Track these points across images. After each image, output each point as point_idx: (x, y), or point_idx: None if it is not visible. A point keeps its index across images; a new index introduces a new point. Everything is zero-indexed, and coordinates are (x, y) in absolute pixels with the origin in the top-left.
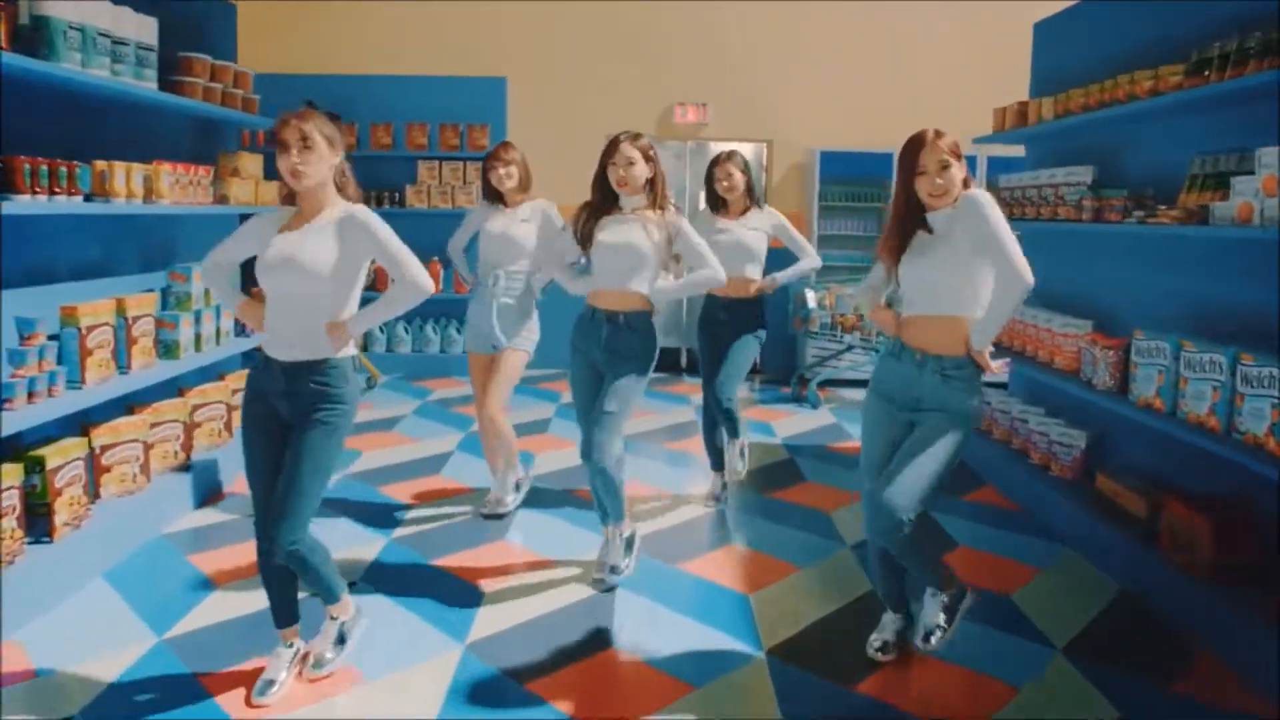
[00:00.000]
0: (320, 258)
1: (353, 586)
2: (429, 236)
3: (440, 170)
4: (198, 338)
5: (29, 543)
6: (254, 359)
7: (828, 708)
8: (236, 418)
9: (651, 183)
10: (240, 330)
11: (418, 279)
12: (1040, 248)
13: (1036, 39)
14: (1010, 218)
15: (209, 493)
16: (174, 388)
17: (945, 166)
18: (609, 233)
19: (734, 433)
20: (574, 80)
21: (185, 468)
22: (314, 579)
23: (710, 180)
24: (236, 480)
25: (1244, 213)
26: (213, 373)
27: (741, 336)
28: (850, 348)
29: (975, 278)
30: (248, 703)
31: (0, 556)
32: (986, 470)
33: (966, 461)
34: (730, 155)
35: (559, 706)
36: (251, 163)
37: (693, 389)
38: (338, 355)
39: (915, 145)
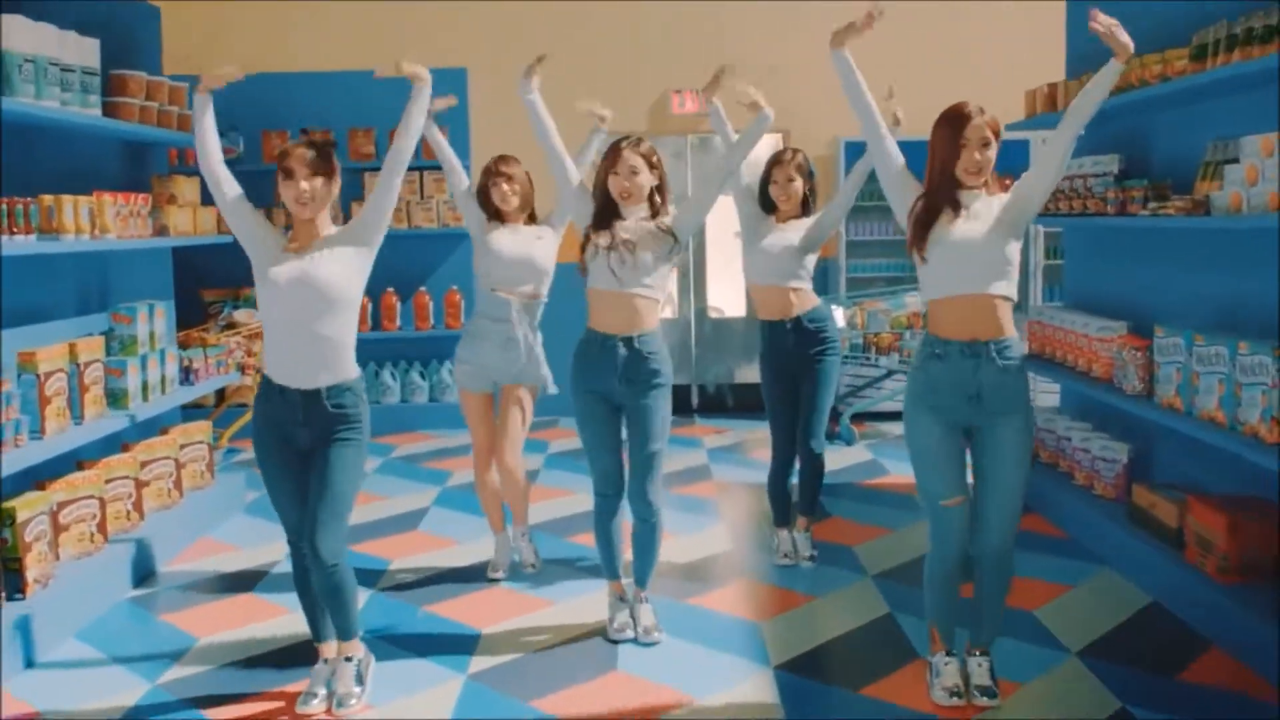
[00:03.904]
0: (335, 273)
1: None
2: (384, 263)
3: None
4: (145, 386)
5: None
6: (197, 413)
7: (833, 711)
8: (186, 475)
9: (656, 191)
10: (184, 379)
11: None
12: (1075, 246)
13: (1071, 14)
14: (1044, 213)
15: (164, 557)
16: (117, 443)
17: (986, 144)
18: (613, 240)
19: (815, 501)
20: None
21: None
22: (342, 605)
23: (766, 180)
24: (197, 543)
25: (1235, 202)
26: (153, 427)
27: (825, 363)
28: (889, 373)
29: (1016, 252)
30: None
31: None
32: (1030, 497)
33: None
34: (793, 155)
35: (560, 716)
36: (188, 187)
37: (706, 431)
38: (352, 376)
39: (957, 116)
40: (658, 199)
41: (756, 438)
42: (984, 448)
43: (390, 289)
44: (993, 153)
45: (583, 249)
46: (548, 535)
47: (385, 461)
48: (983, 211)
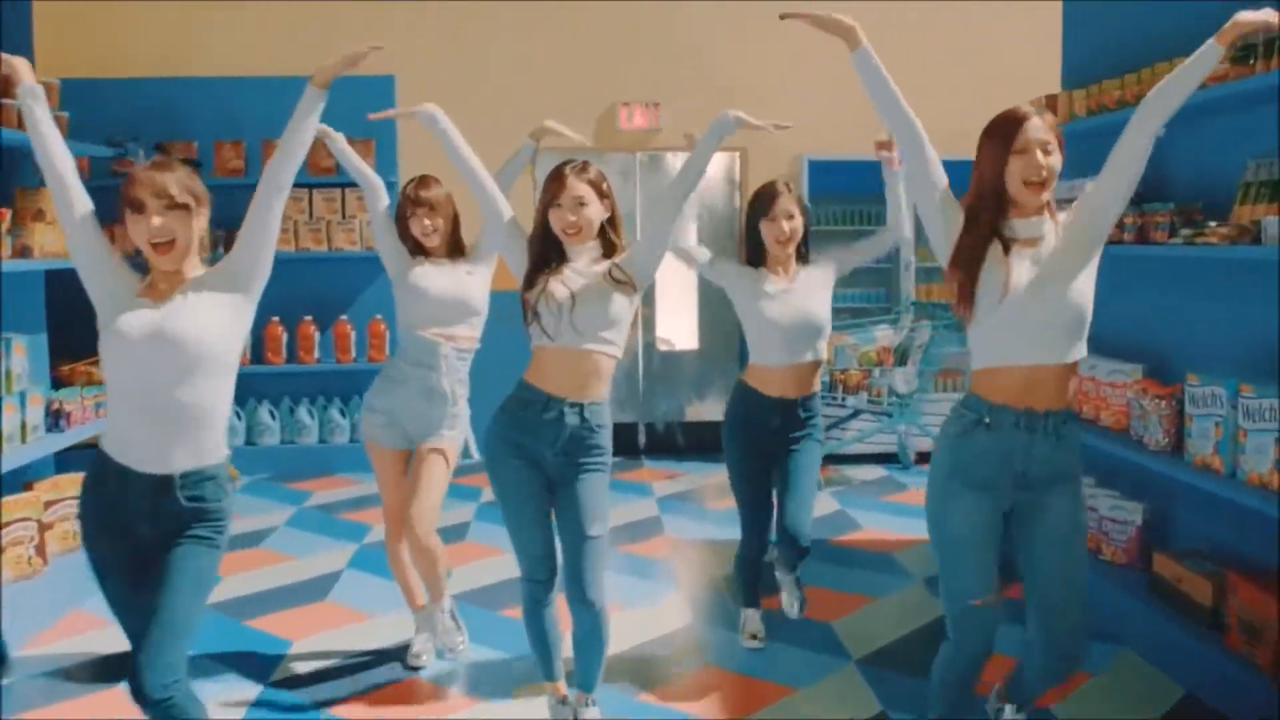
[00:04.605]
0: (204, 325)
1: None
2: (302, 289)
3: (311, 201)
4: None
5: None
6: (71, 463)
7: None
8: (50, 539)
9: (609, 224)
10: (53, 424)
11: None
12: None
13: (1067, 19)
14: None
15: (20, 639)
16: None
17: (1049, 150)
18: (565, 285)
19: (794, 566)
20: (481, 76)
21: None
22: None
23: (756, 223)
24: (64, 619)
25: None
26: (16, 483)
27: (805, 445)
28: (856, 413)
29: (1091, 292)
30: None
31: None
32: None
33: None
34: (789, 188)
35: None
36: None
37: (655, 475)
38: (215, 461)
39: (1009, 121)
40: (611, 234)
41: (711, 483)
42: (1033, 524)
43: (308, 318)
44: (1057, 161)
45: (524, 296)
46: (476, 608)
47: (298, 511)
48: (1047, 248)
